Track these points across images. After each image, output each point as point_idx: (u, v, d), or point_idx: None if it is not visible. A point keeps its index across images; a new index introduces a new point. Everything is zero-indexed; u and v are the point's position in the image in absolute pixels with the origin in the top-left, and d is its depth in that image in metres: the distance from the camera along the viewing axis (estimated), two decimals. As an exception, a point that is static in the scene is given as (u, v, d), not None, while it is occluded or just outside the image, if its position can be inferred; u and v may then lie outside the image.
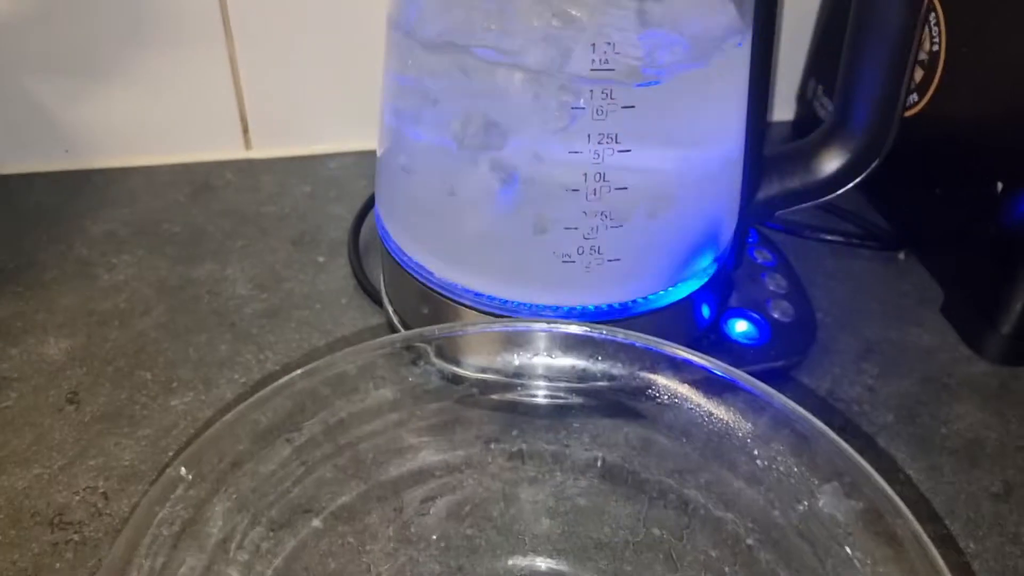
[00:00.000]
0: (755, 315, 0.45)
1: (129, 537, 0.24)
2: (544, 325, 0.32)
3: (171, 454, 0.40)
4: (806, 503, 0.27)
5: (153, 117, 0.58)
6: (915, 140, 0.46)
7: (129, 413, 0.42)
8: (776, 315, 0.45)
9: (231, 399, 0.43)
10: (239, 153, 0.61)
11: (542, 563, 0.33)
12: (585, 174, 0.34)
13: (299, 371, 0.31)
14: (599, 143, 0.34)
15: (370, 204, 0.54)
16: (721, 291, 0.44)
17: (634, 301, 0.38)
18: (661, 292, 0.39)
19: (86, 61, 0.56)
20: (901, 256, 0.53)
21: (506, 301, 0.37)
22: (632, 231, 0.36)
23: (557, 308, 0.37)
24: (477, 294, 0.38)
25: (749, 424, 0.29)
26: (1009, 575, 0.37)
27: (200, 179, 0.58)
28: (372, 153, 0.61)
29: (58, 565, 0.36)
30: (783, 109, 0.66)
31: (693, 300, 0.40)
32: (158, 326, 0.47)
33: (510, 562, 0.33)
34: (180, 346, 0.46)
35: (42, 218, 0.55)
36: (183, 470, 0.26)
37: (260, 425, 0.29)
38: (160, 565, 0.24)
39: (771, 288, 0.47)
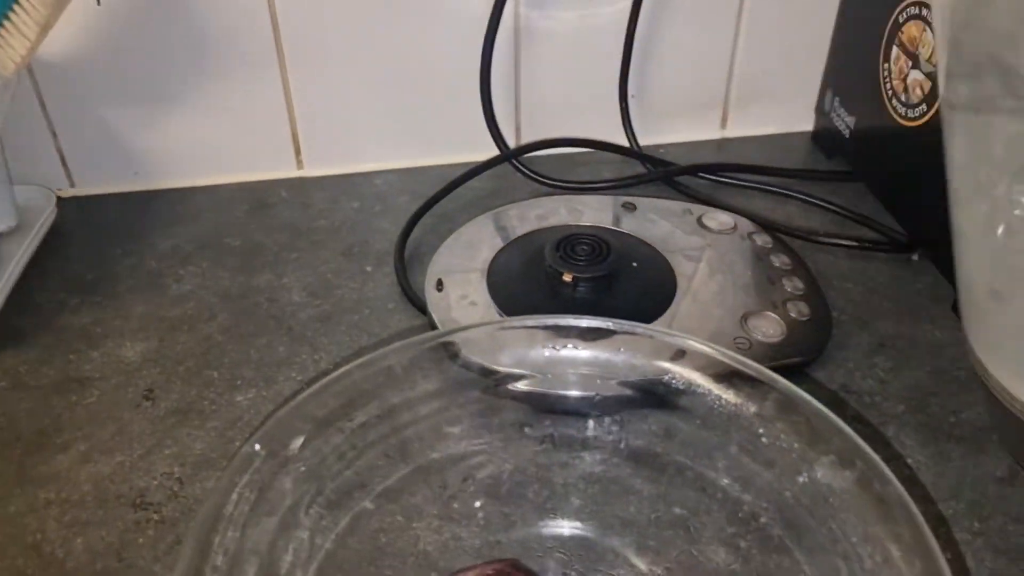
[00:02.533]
0: (772, 315, 0.48)
1: (214, 502, 0.28)
2: (568, 320, 0.36)
3: (238, 443, 0.45)
4: (806, 475, 0.31)
5: (213, 140, 0.63)
6: (925, 146, 0.49)
7: (199, 408, 0.47)
8: (793, 315, 0.48)
9: (290, 395, 0.47)
10: (292, 172, 0.65)
11: (571, 531, 0.36)
12: None
13: (353, 364, 0.35)
14: None
15: (414, 220, 0.58)
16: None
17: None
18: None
19: (153, 90, 0.61)
20: (914, 257, 0.56)
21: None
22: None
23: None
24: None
25: (755, 407, 0.32)
26: (1013, 552, 0.40)
27: (257, 196, 0.63)
28: (414, 170, 0.66)
29: (141, 540, 0.40)
30: (802, 120, 0.69)
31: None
32: (223, 330, 0.52)
33: (543, 531, 0.37)
34: (243, 348, 0.50)
35: (116, 234, 0.60)
36: (257, 446, 0.30)
37: (321, 411, 0.33)
38: (240, 527, 0.28)
39: (788, 290, 0.50)
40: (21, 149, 0.60)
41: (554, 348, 0.36)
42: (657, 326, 0.35)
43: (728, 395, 0.33)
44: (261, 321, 0.52)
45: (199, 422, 0.46)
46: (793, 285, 0.50)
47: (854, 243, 0.56)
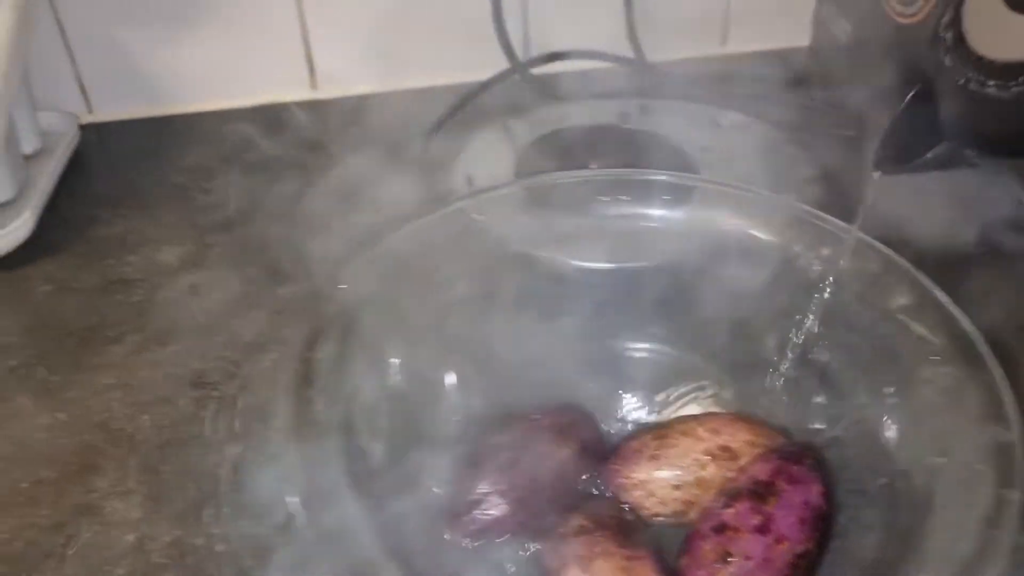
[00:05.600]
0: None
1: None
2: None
3: (286, 330, 0.46)
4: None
5: (227, 64, 0.64)
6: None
7: (245, 301, 0.48)
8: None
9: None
10: (306, 94, 0.66)
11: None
12: None
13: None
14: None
15: (434, 129, 0.60)
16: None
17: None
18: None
19: (167, 13, 0.62)
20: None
21: None
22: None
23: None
24: None
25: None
26: None
27: (272, 117, 0.64)
28: (434, 89, 0.67)
29: (202, 414, 0.42)
30: (802, 35, 0.71)
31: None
32: (259, 233, 0.53)
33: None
34: (281, 247, 0.51)
35: (136, 155, 0.61)
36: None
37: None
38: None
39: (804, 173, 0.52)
40: (41, 76, 0.60)
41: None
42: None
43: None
44: (296, 223, 0.53)
45: (246, 312, 0.47)
46: (808, 169, 0.53)
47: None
